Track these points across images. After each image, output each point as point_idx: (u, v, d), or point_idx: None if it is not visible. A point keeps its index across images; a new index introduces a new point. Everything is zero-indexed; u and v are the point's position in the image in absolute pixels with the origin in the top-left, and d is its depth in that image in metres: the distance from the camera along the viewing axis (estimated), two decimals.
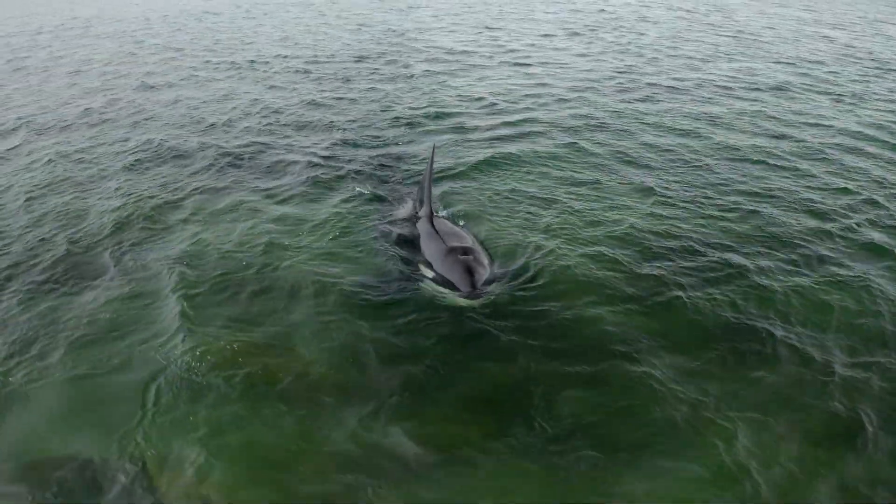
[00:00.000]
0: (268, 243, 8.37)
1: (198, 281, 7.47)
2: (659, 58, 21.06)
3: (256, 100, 16.90)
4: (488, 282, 6.84)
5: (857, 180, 10.66)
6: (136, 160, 11.90)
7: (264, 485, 4.87)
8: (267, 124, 14.48)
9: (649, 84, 17.40)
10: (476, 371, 5.94)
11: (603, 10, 34.59)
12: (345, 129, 13.83)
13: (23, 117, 15.85)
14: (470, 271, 6.69)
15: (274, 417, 5.42)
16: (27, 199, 10.42)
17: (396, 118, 14.69)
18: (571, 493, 4.73)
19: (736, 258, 8.00)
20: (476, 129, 13.73)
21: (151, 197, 10.23)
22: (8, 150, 13.43)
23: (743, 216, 9.27)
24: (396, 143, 12.87)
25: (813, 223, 9.03)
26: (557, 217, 9.15)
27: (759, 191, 10.20)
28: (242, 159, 11.88)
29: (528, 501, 4.72)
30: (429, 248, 7.56)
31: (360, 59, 22.43)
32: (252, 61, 22.23)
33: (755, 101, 15.66)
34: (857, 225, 8.95)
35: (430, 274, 7.13)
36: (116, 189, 10.62)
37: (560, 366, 5.98)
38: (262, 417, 5.40)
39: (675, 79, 18.14)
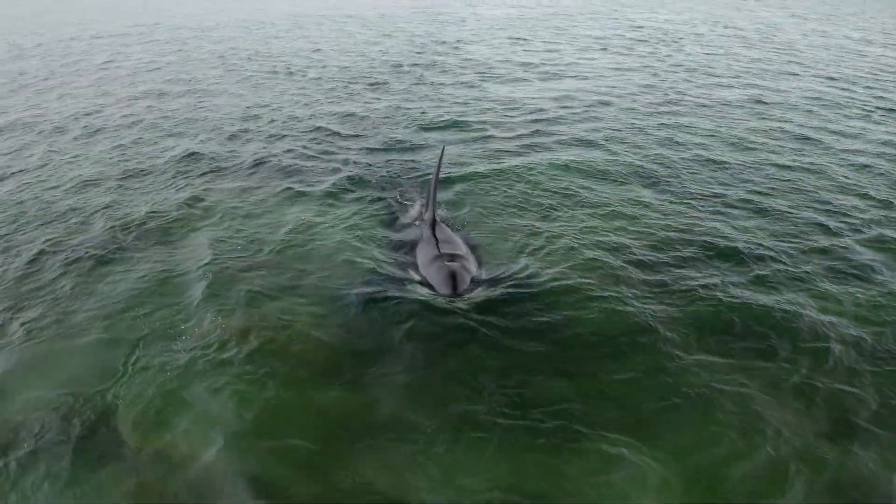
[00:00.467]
0: (282, 240, 8.88)
1: (217, 268, 8.03)
2: (694, 73, 21.05)
3: (291, 103, 17.77)
4: (471, 287, 7.09)
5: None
6: (175, 160, 12.67)
7: (247, 445, 5.30)
8: (297, 128, 15.15)
9: (678, 98, 17.43)
10: (448, 365, 6.19)
11: (643, 27, 34.62)
12: (370, 135, 14.34)
13: (79, 115, 17.01)
14: (453, 276, 6.97)
15: (260, 387, 5.88)
16: (73, 188, 11.30)
17: (422, 125, 15.16)
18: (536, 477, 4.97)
19: (727, 264, 8.12)
20: (497, 137, 14.03)
21: (185, 190, 10.95)
22: (63, 144, 14.47)
23: (752, 217, 9.39)
24: (418, 149, 13.31)
25: (843, 236, 9.07)
26: (560, 226, 9.29)
27: (774, 197, 10.26)
28: (272, 161, 12.49)
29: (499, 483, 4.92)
30: (423, 251, 7.91)
31: (396, 67, 23.17)
32: (289, 69, 23.26)
33: (787, 118, 15.56)
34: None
35: (417, 277, 7.50)
36: (159, 183, 11.43)
37: (534, 361, 6.20)
38: (250, 387, 5.87)
39: (705, 94, 18.14)
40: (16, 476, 5.04)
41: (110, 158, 13.10)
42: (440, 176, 9.20)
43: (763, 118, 15.44)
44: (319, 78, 21.70)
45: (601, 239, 8.78)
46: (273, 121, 15.95)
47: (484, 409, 5.49)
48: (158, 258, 8.46)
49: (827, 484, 4.92)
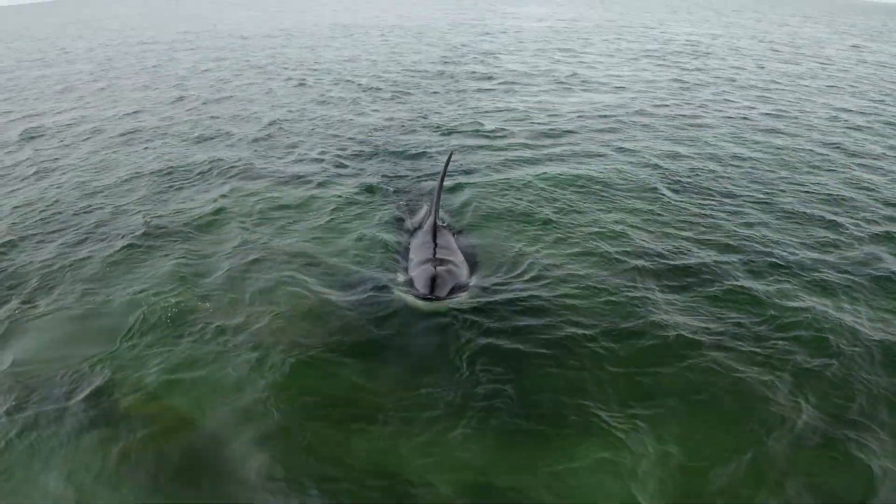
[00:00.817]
0: (298, 239, 9.23)
1: (236, 261, 8.46)
2: (724, 85, 20.95)
3: (325, 108, 18.38)
4: (453, 291, 7.04)
5: None
6: (208, 161, 13.24)
7: (242, 417, 5.62)
8: (326, 133, 15.67)
9: (702, 112, 17.41)
10: (421, 364, 6.30)
11: (683, 41, 34.47)
12: (393, 141, 14.72)
13: (122, 116, 17.95)
14: (433, 279, 6.99)
15: (259, 366, 6.22)
16: (112, 184, 11.99)
17: (445, 131, 15.51)
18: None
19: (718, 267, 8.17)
20: (516, 145, 14.24)
21: (216, 189, 11.54)
22: (104, 142, 15.40)
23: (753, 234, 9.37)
24: (438, 154, 13.61)
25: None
26: (564, 235, 9.33)
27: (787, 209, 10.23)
28: (300, 165, 12.96)
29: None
30: (415, 254, 8.00)
31: (429, 75, 23.70)
32: (327, 75, 24.00)
33: (816, 133, 15.39)
34: None
35: (402, 279, 7.64)
36: (192, 181, 12.12)
37: (517, 362, 6.26)
38: (250, 365, 6.22)
39: (736, 107, 18.06)
40: (27, 429, 5.48)
41: (148, 156, 13.77)
42: (445, 181, 9.32)
43: (787, 132, 15.28)
44: (353, 84, 22.36)
45: (601, 249, 8.81)
46: (305, 125, 16.50)
47: (462, 405, 5.61)
48: (185, 248, 8.92)
49: (814, 485, 4.94)
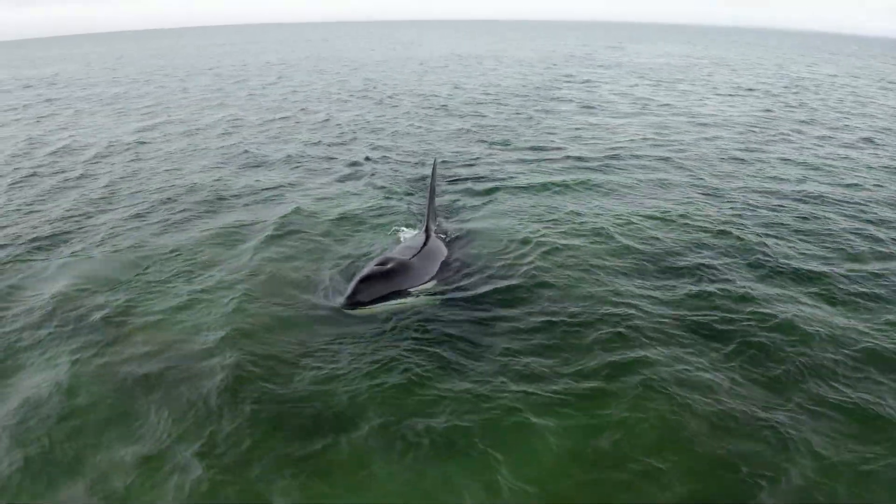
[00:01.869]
0: (325, 230, 9.95)
1: (270, 234, 9.60)
2: (816, 128, 19.85)
3: (404, 123, 19.78)
4: (376, 300, 6.90)
5: None
6: (281, 161, 14.81)
7: (225, 345, 6.53)
8: (392, 143, 16.88)
9: (775, 144, 16.78)
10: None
11: (805, 77, 32.86)
12: (452, 151, 15.63)
13: (226, 119, 20.47)
14: (356, 288, 6.87)
15: (244, 311, 7.24)
16: (198, 169, 13.95)
17: (505, 144, 16.27)
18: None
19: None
20: (565, 159, 14.61)
21: (279, 179, 13.09)
22: (202, 139, 17.64)
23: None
24: (487, 164, 14.21)
25: None
26: (564, 243, 9.29)
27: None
28: (358, 169, 14.05)
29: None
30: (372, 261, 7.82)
31: (519, 96, 24.56)
32: (391, 97, 25.43)
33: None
34: None
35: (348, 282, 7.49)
36: (262, 172, 13.73)
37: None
38: (241, 311, 7.24)
39: (817, 136, 17.30)
40: (48, 341, 6.79)
41: (234, 152, 15.68)
42: (435, 189, 9.31)
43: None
44: (434, 103, 23.75)
45: (587, 263, 8.64)
46: (384, 132, 18.03)
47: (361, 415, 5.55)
48: (231, 222, 10.31)
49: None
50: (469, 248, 9.04)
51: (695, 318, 7.07)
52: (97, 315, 7.23)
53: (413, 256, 7.80)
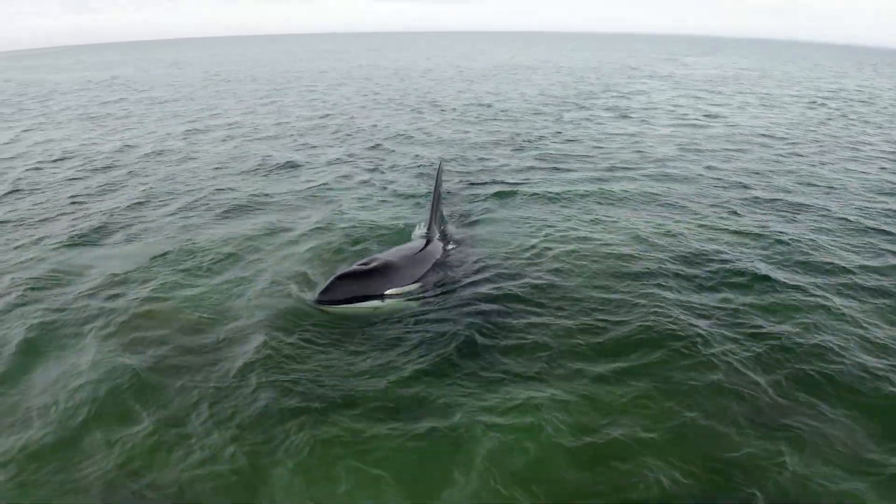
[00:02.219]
0: (346, 226, 10.26)
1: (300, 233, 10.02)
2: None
3: (448, 128, 20.19)
4: (350, 299, 6.87)
5: None
6: (326, 162, 15.32)
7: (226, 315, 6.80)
8: (422, 147, 17.27)
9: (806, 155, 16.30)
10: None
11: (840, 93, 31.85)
12: (475, 155, 15.89)
13: (282, 123, 21.06)
14: (330, 285, 6.87)
15: (246, 291, 7.72)
16: (242, 171, 14.63)
17: (529, 147, 16.53)
18: None
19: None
20: (582, 167, 14.58)
21: (319, 178, 13.47)
22: (248, 141, 18.29)
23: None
24: (510, 170, 14.33)
25: None
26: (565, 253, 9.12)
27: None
28: (391, 173, 14.32)
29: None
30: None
31: (557, 104, 24.64)
32: (436, 105, 25.73)
33: None
34: None
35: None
36: (305, 172, 14.32)
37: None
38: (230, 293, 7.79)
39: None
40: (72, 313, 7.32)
41: (275, 155, 16.22)
42: (440, 192, 9.27)
43: None
44: (475, 109, 24.04)
45: (589, 271, 8.47)
46: (417, 137, 18.43)
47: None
48: (268, 221, 10.70)
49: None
50: (468, 253, 8.91)
51: (704, 322, 6.96)
52: (127, 297, 7.71)
53: (400, 258, 7.73)
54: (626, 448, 5.03)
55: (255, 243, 9.52)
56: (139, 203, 11.82)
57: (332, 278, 6.93)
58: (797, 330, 6.84)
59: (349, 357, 6.31)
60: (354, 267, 7.16)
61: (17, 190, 13.01)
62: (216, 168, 14.80)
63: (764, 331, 6.81)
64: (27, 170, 14.76)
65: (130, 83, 39.58)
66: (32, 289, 7.93)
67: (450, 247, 8.83)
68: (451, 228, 9.94)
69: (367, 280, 6.97)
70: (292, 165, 14.90)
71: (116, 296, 7.70)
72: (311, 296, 7.17)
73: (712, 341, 6.53)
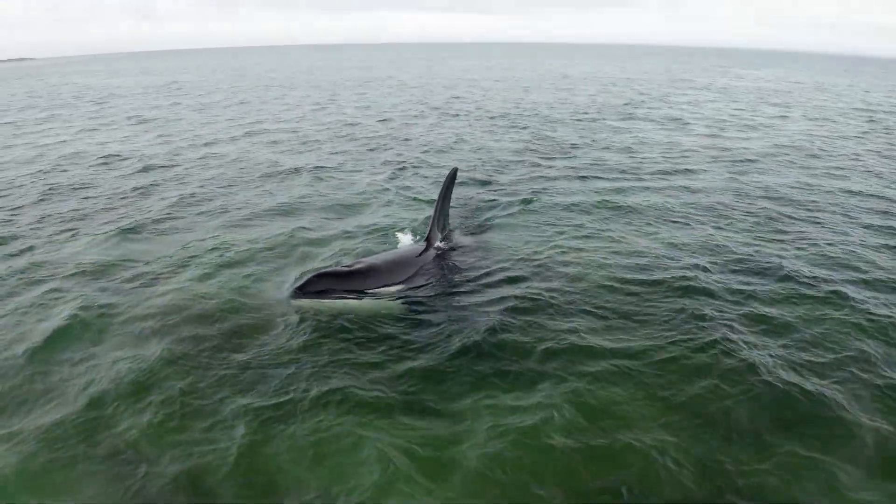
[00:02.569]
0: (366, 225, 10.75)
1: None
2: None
3: (479, 134, 20.57)
4: (321, 293, 6.98)
5: None
6: (379, 164, 15.80)
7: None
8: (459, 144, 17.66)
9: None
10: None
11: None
12: (506, 160, 16.09)
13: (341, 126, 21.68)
14: (311, 279, 7.02)
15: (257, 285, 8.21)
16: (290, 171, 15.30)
17: (551, 155, 16.72)
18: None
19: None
20: (602, 171, 14.67)
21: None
22: (291, 143, 19.00)
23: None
24: (533, 178, 14.28)
25: None
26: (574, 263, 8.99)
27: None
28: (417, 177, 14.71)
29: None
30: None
31: (590, 114, 24.68)
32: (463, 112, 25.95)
33: None
34: None
35: None
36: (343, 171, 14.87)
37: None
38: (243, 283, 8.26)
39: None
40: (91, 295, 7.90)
41: (311, 159, 16.80)
42: (446, 197, 9.18)
43: None
44: (518, 116, 24.25)
45: (588, 286, 8.21)
46: (443, 145, 18.69)
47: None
48: (278, 227, 10.90)
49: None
50: (470, 259, 8.86)
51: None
52: (134, 279, 8.53)
53: (384, 261, 7.85)
54: (628, 449, 5.00)
55: (288, 243, 9.81)
56: (179, 202, 12.34)
57: (310, 275, 7.13)
58: (834, 336, 6.72)
59: (356, 353, 6.44)
60: (333, 268, 7.44)
61: (69, 187, 13.76)
62: (267, 168, 15.39)
63: (795, 339, 6.71)
64: (77, 169, 15.61)
65: (188, 88, 41.15)
66: (74, 275, 8.58)
67: (453, 252, 8.86)
68: (459, 234, 9.85)
69: (344, 279, 7.11)
70: (354, 168, 15.39)
71: (146, 285, 8.24)
72: (291, 290, 7.22)
73: (732, 347, 6.43)
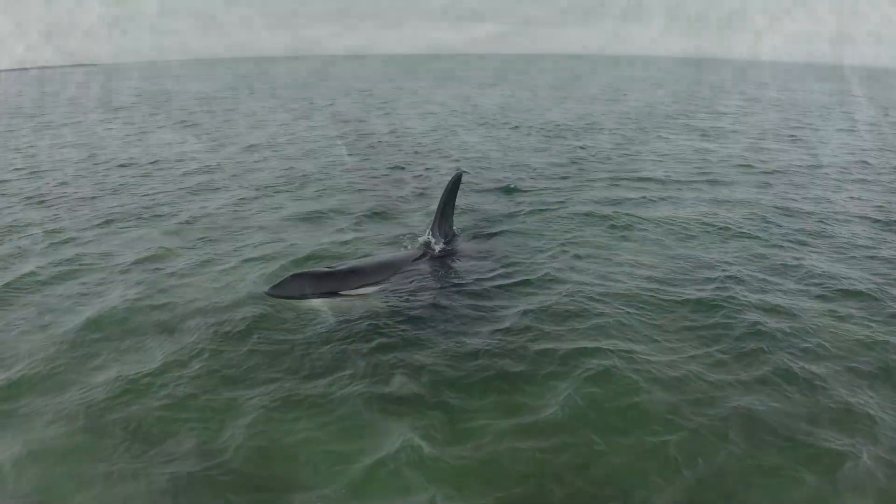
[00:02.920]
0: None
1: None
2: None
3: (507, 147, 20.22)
4: (296, 294, 7.00)
5: None
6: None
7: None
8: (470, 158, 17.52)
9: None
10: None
11: None
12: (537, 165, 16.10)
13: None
14: (287, 278, 7.01)
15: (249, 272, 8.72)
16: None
17: (586, 159, 16.90)
18: None
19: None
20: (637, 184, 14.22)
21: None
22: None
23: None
24: (559, 187, 13.91)
25: None
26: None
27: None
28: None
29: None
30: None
31: (635, 119, 25.34)
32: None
33: None
34: None
35: None
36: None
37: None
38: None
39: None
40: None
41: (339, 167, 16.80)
42: (449, 200, 9.04)
43: None
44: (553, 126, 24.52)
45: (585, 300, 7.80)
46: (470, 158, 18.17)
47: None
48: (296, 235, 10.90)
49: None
50: (464, 264, 8.71)
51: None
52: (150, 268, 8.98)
53: (367, 263, 7.90)
54: (631, 451, 5.00)
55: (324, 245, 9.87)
56: (239, 202, 12.70)
57: (289, 276, 7.09)
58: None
59: (352, 347, 6.53)
60: (315, 268, 7.52)
61: (118, 185, 14.52)
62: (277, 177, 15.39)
63: (820, 346, 6.57)
64: (133, 170, 16.43)
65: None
66: (128, 268, 8.96)
67: (452, 256, 8.74)
68: (463, 239, 9.68)
69: (319, 280, 7.08)
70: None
71: (147, 268, 8.88)
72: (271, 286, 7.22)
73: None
